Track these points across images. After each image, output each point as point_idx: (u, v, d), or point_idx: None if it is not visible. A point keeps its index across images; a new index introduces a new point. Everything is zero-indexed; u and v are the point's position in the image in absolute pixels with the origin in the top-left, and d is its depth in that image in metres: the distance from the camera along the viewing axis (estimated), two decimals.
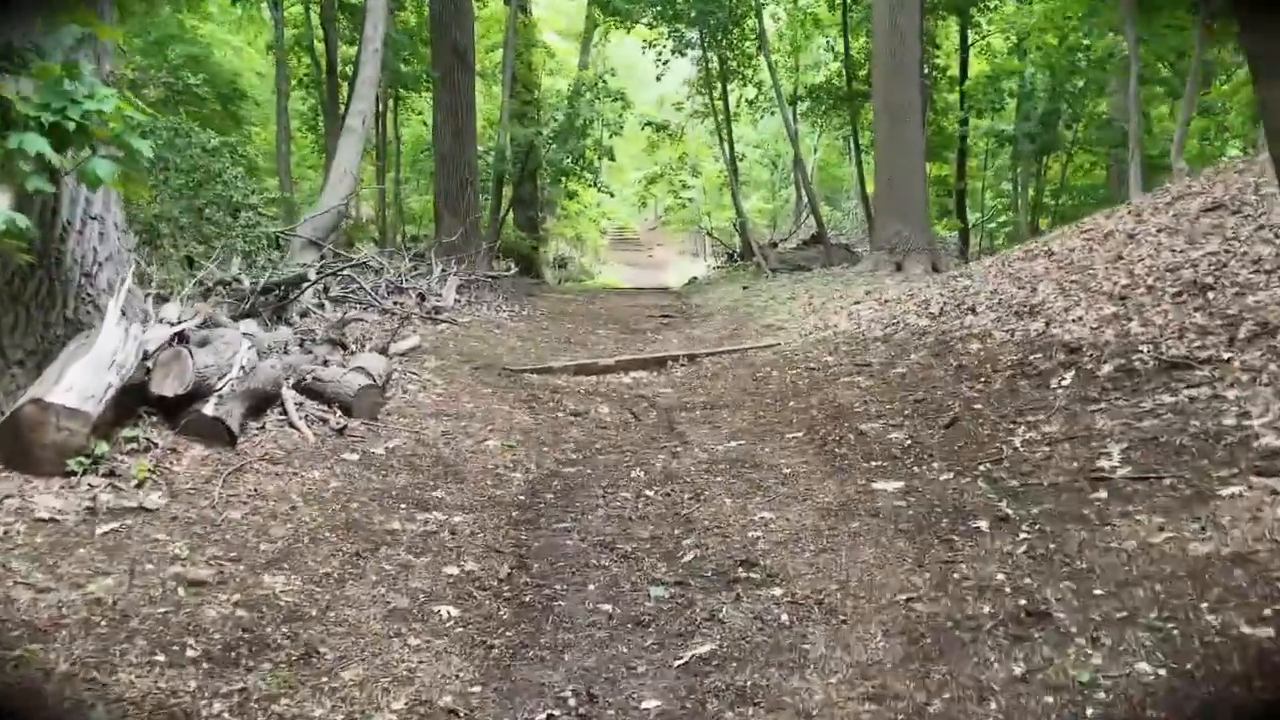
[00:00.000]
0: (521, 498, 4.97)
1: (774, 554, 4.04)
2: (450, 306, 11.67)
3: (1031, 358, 6.26)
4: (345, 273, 11.07)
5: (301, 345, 7.20)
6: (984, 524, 4.04)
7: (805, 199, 35.29)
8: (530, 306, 14.26)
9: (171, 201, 8.15)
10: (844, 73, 25.69)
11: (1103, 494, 4.12)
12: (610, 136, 20.94)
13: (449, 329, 10.63)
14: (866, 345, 8.31)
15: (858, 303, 10.76)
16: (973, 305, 8.02)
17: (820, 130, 31.82)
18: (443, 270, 13.32)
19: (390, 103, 23.16)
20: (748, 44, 25.74)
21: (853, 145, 26.13)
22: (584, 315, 13.84)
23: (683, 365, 8.93)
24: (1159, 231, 7.70)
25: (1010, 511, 4.10)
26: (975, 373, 6.39)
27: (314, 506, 4.40)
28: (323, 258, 11.82)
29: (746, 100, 27.84)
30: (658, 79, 23.69)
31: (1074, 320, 6.59)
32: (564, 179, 22.05)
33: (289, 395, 5.66)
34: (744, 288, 17.96)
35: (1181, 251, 6.97)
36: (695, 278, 30.40)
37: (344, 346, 7.43)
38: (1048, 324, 6.75)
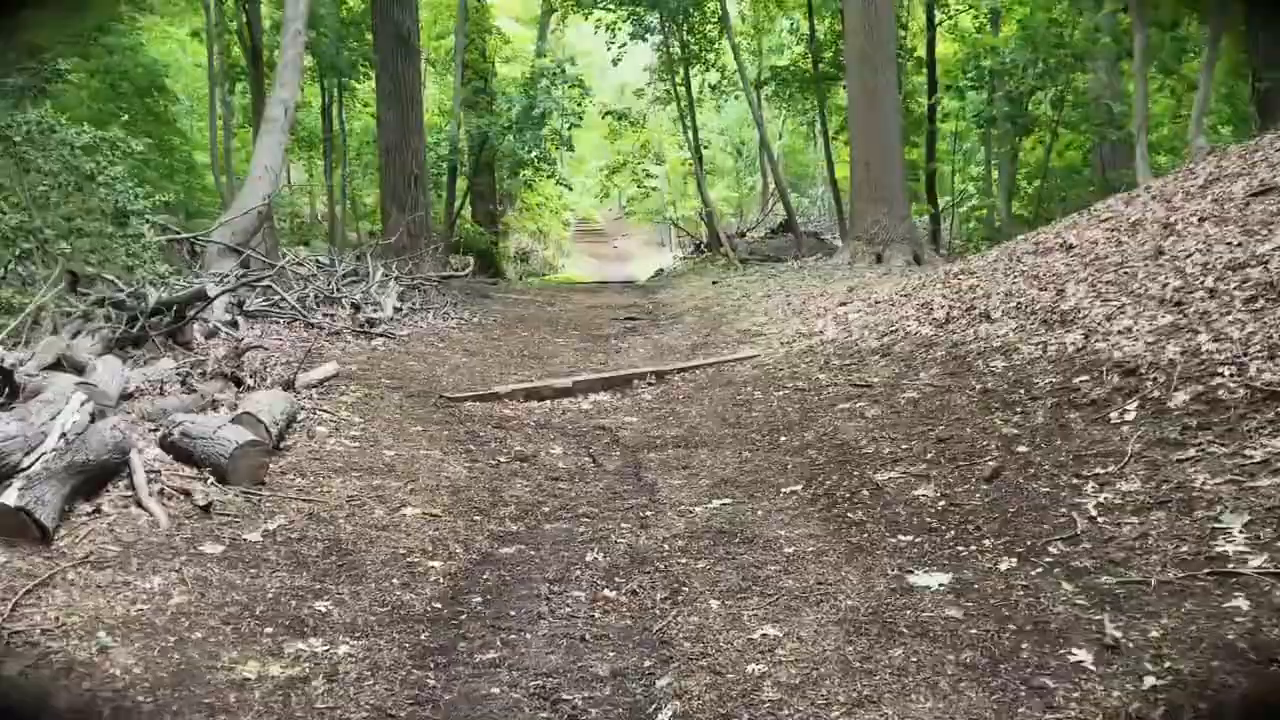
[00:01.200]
0: (437, 604, 3.64)
1: (789, 707, 2.76)
2: (389, 318, 10.29)
3: (1076, 381, 5.02)
4: (266, 283, 9.64)
5: (184, 382, 5.82)
6: (1085, 656, 2.78)
7: (772, 186, 34.12)
8: (483, 311, 12.89)
9: (40, 210, 6.70)
10: (809, 55, 24.48)
11: (1241, 601, 2.89)
12: (569, 128, 19.50)
13: (384, 345, 9.26)
14: (863, 359, 7.06)
15: (844, 304, 9.52)
16: (986, 310, 6.78)
17: (785, 115, 30.56)
18: (383, 275, 11.91)
19: (336, 93, 21.61)
20: (709, 27, 24.41)
21: (820, 130, 24.92)
22: (542, 320, 12.50)
23: (650, 384, 7.63)
24: (1201, 220, 6.49)
25: (1118, 633, 2.85)
26: (1007, 400, 5.14)
27: (135, 642, 3.06)
28: (245, 265, 10.41)
29: (709, 85, 26.53)
30: (614, 63, 22.28)
31: (1121, 332, 5.36)
32: (521, 171, 20.60)
33: (140, 461, 4.29)
34: (714, 282, 16.69)
35: (1239, 245, 5.76)
36: (661, 270, 29.09)
37: (237, 382, 6.04)
38: (1087, 336, 5.52)
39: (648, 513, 4.57)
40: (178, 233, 10.36)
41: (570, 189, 24.04)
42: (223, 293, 7.90)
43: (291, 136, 24.92)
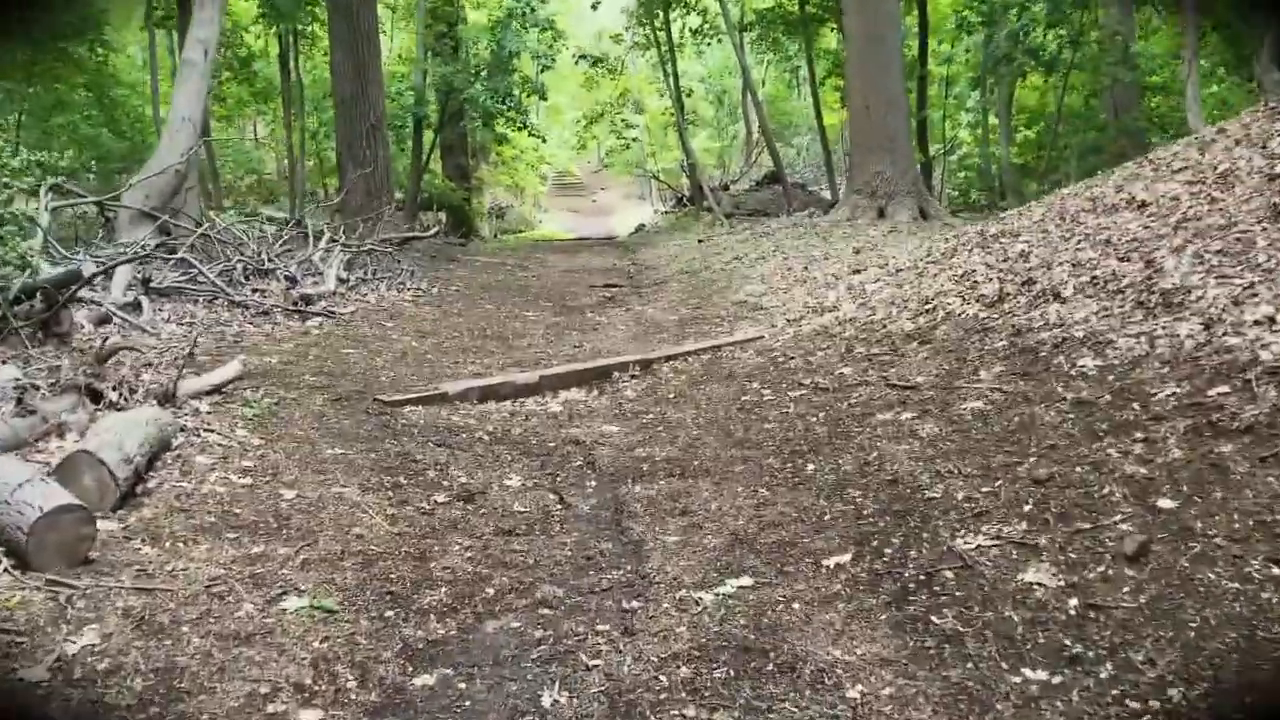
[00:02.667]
0: None
1: None
2: (331, 291, 8.75)
3: (1213, 393, 3.62)
4: (185, 255, 8.09)
5: (19, 401, 4.32)
6: None
7: (756, 136, 32.40)
8: (446, 279, 11.36)
9: None
10: None
11: None
12: (541, 71, 17.78)
13: (321, 327, 7.75)
14: (896, 347, 5.62)
15: (857, 271, 8.07)
16: (1052, 286, 5.34)
17: (769, 62, 28.69)
18: (329, 240, 10.33)
19: (292, 40, 19.73)
20: None
21: (809, 76, 23.22)
22: (511, 289, 10.98)
23: (634, 377, 6.18)
24: None
25: None
26: (1117, 419, 3.73)
27: None
28: (165, 233, 8.84)
29: (690, 30, 24.71)
30: (594, 7, 20.42)
31: (1261, 322, 3.95)
32: (493, 121, 18.87)
33: None
34: (699, 240, 15.20)
35: None
36: (642, 225, 27.47)
37: (96, 396, 4.54)
38: (1209, 327, 4.11)
39: (634, 601, 3.14)
40: (82, 197, 8.75)
41: (545, 141, 22.26)
42: (102, 271, 6.36)
43: (249, 88, 23.19)
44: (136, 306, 7.11)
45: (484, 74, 17.02)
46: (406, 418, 5.38)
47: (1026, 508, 3.31)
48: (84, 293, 6.60)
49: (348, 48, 14.96)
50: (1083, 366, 4.29)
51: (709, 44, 25.01)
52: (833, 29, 24.15)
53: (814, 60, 23.08)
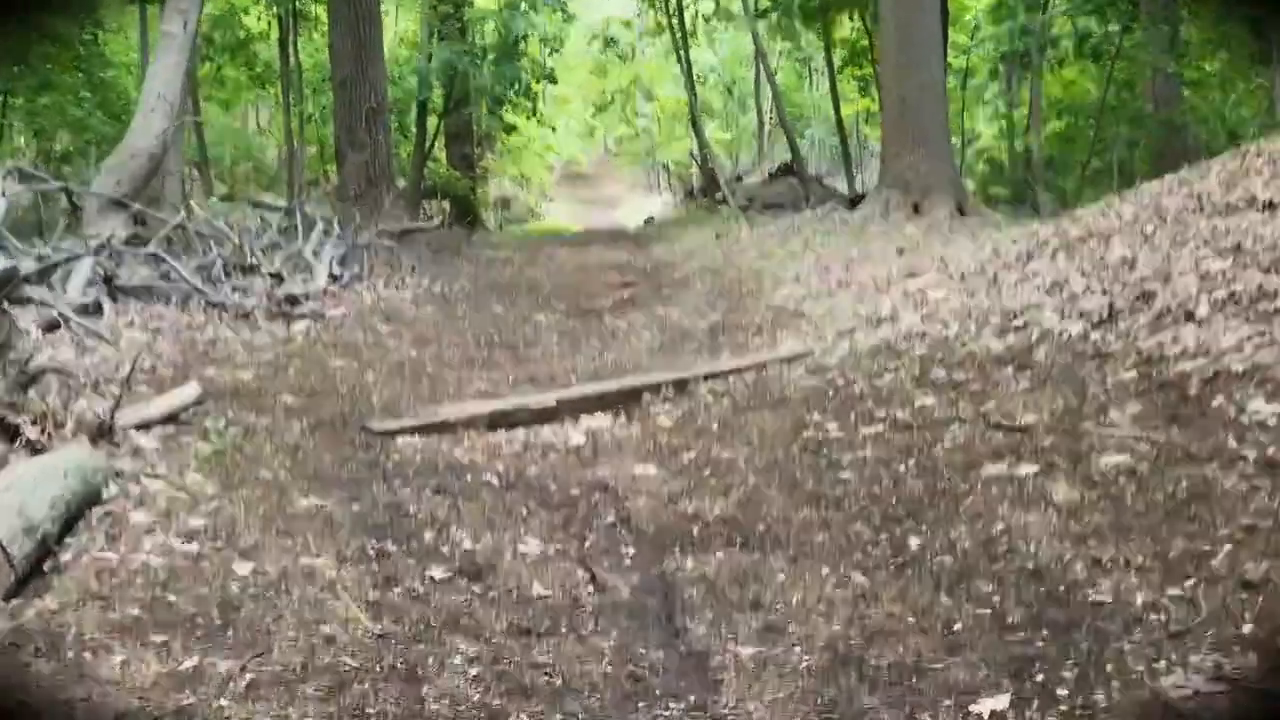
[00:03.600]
0: None
1: None
2: (321, 290, 7.80)
3: None
4: (156, 250, 7.14)
5: None
6: None
7: (769, 127, 31.36)
8: (450, 275, 10.39)
9: None
10: None
11: None
12: (550, 54, 16.77)
13: (307, 332, 6.80)
14: (984, 370, 4.67)
15: (913, 275, 7.10)
16: (1179, 302, 4.39)
17: (781, 52, 27.52)
18: (322, 230, 9.37)
19: (293, 22, 18.70)
20: None
21: (826, 65, 22.15)
22: (520, 287, 10.01)
23: (668, 401, 5.23)
24: None
25: None
26: None
27: None
28: (140, 223, 7.89)
29: (703, 17, 23.67)
30: None
31: None
32: (499, 107, 17.85)
33: None
34: (717, 235, 14.21)
35: None
36: (651, 217, 26.44)
37: (12, 434, 3.59)
38: None
39: None
40: (45, 182, 7.79)
41: (553, 130, 21.22)
42: (45, 270, 5.40)
43: (248, 71, 22.14)
44: (97, 308, 6.15)
45: (491, 58, 16.01)
46: (400, 452, 4.43)
47: (1245, 628, 2.37)
48: (35, 292, 5.67)
49: (347, 25, 13.95)
50: (1257, 413, 3.34)
51: (727, 29, 23.95)
52: (850, 18, 23.16)
53: (831, 48, 22.03)
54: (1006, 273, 5.98)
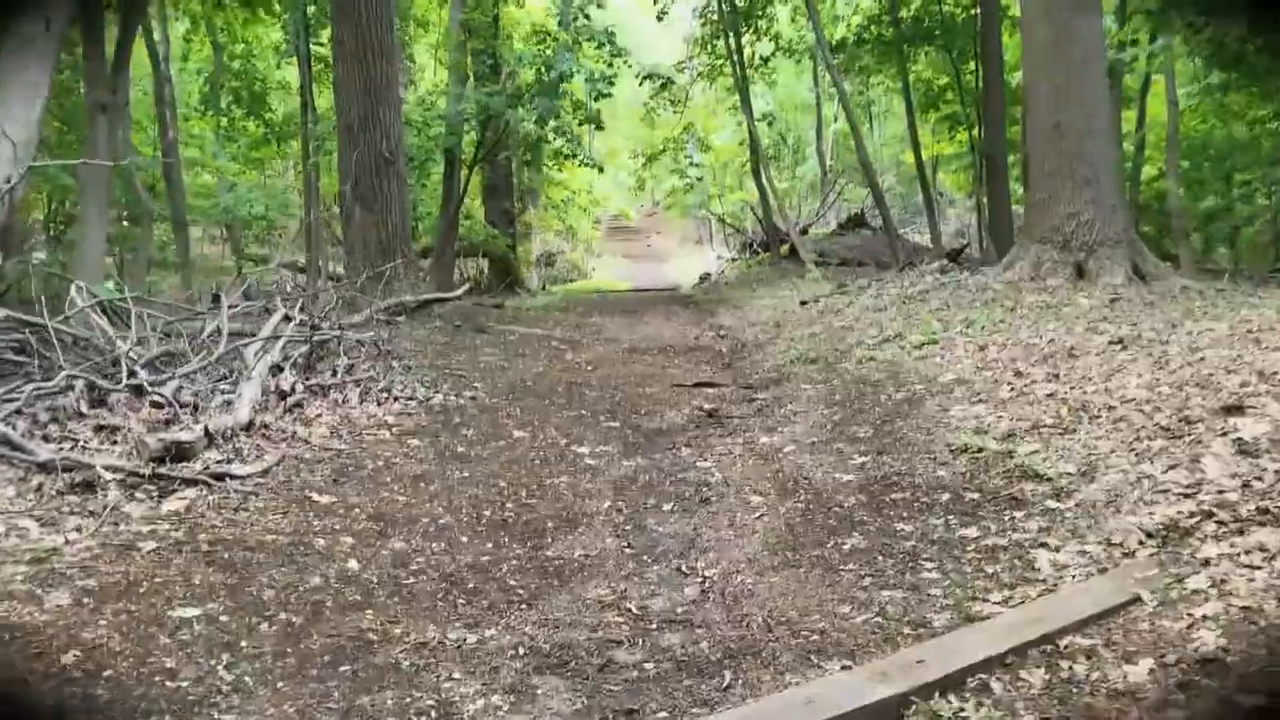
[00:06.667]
0: None
1: None
2: (244, 425, 4.83)
3: None
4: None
5: None
6: None
7: (831, 175, 28.40)
8: (464, 371, 7.43)
9: None
10: (887, 15, 18.77)
11: None
12: (597, 97, 13.98)
13: (182, 520, 3.83)
14: None
15: (1235, 409, 3.93)
16: None
17: (863, 90, 24.38)
18: (281, 319, 6.48)
19: (307, 64, 16.21)
20: None
21: (905, 105, 19.13)
22: (556, 390, 7.01)
23: None
24: None
25: None
26: None
27: None
28: None
29: (761, 58, 20.87)
30: (659, 18, 16.66)
31: None
32: (535, 152, 15.07)
33: None
34: (803, 303, 11.17)
35: None
36: (708, 274, 23.45)
37: None
38: None
39: None
40: None
41: (601, 170, 18.35)
42: None
43: (263, 124, 19.72)
44: None
45: (528, 94, 13.29)
46: None
47: None
48: None
49: (354, 59, 11.29)
50: None
51: (796, 64, 21.09)
52: (926, 53, 20.25)
53: (909, 87, 19.07)
54: None
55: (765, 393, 6.71)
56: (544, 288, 23.16)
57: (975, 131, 18.04)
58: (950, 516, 3.76)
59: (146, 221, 12.90)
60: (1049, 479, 3.87)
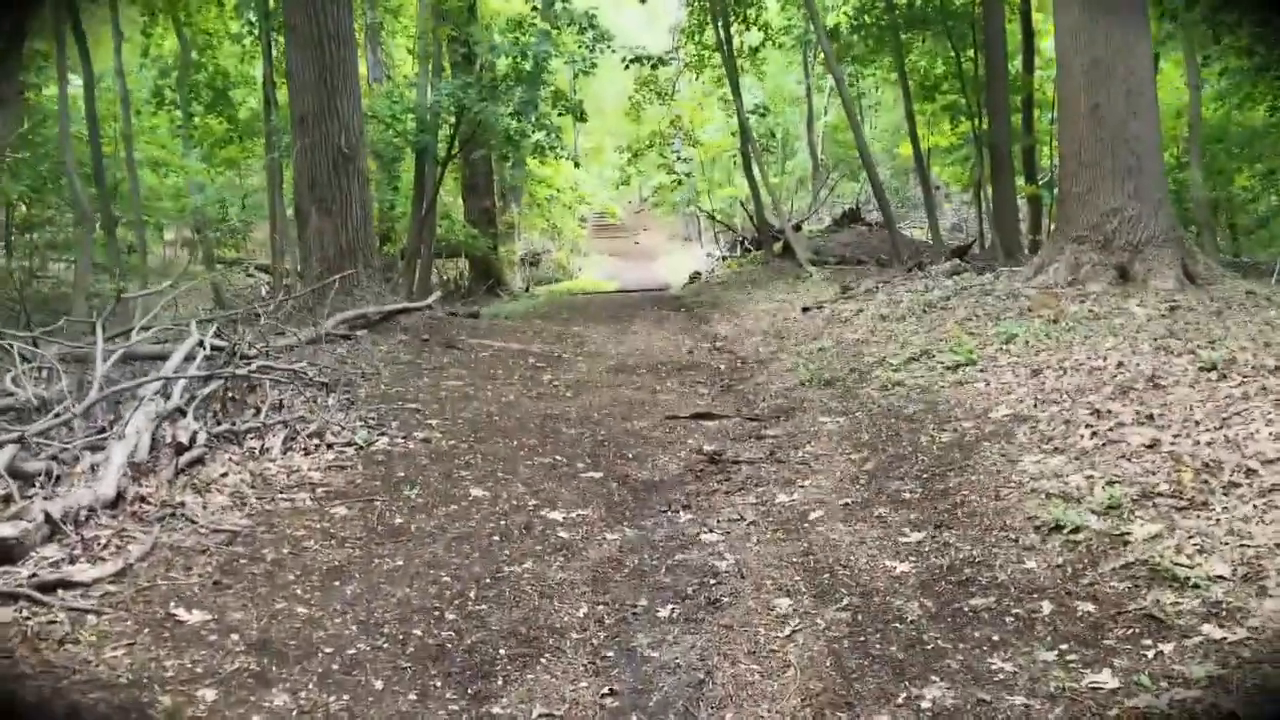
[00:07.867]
0: None
1: None
2: (111, 499, 3.65)
3: None
4: None
5: None
6: None
7: (822, 169, 27.29)
8: (420, 402, 6.26)
9: None
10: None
11: None
12: (577, 76, 12.79)
13: None
14: None
15: None
16: None
17: (832, 89, 23.25)
18: (195, 343, 5.28)
19: (269, 52, 14.92)
20: None
21: (903, 94, 18.00)
22: (529, 422, 5.85)
23: None
24: None
25: None
26: None
27: None
28: None
29: (750, 48, 19.70)
30: (643, 0, 15.47)
31: None
32: (515, 149, 13.86)
33: None
34: (805, 309, 10.04)
35: None
36: (698, 274, 22.26)
37: None
38: None
39: None
40: None
41: (577, 164, 17.14)
42: None
43: (224, 121, 18.45)
44: None
45: (504, 89, 12.11)
46: None
47: None
48: None
49: (308, 45, 10.08)
50: None
51: (786, 55, 19.93)
52: (923, 40, 19.12)
53: (906, 76, 17.97)
54: None
55: (776, 427, 5.57)
56: (528, 289, 21.99)
57: (976, 122, 16.95)
58: (1064, 645, 2.63)
59: (87, 224, 11.64)
60: (1195, 585, 2.75)
